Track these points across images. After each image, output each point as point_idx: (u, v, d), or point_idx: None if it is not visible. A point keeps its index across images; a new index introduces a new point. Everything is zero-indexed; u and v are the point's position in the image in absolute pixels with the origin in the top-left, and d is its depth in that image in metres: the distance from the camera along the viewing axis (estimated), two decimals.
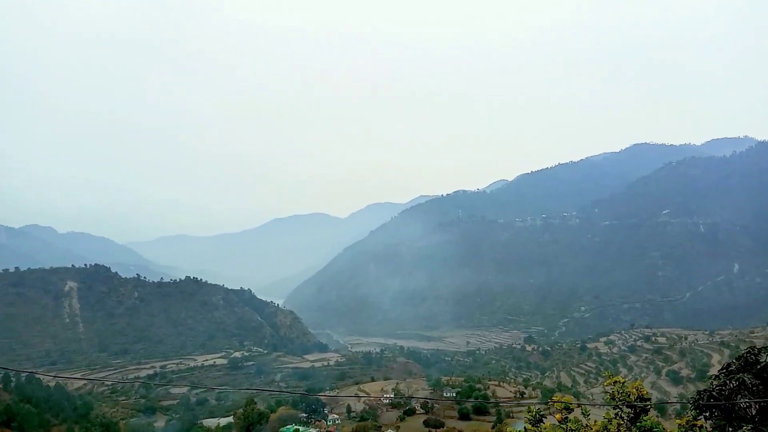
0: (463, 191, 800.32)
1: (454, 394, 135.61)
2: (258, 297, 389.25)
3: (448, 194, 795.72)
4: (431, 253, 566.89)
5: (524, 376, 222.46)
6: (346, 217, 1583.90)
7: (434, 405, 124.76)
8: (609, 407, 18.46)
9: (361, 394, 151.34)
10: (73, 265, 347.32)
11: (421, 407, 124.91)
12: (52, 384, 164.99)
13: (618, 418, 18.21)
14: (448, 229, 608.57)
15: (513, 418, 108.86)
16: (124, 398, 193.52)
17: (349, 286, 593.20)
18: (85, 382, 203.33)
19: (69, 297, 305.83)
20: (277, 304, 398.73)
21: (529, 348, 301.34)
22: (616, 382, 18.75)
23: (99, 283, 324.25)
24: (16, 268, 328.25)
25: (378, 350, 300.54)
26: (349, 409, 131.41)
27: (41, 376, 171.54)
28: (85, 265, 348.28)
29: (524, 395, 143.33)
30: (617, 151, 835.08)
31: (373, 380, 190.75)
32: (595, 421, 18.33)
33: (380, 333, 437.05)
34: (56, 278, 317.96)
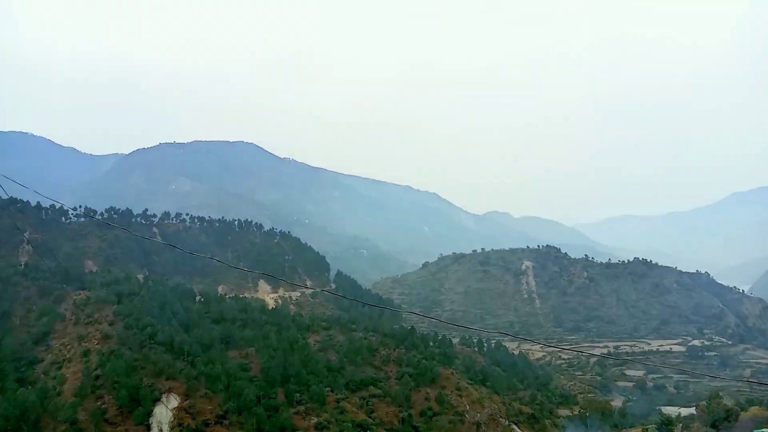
0: None
1: None
2: (717, 281, 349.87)
3: None
4: None
5: None
6: None
7: None
8: None
9: None
10: (527, 246, 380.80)
11: None
12: (516, 352, 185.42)
13: None
14: None
15: None
16: (580, 373, 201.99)
17: None
18: (544, 354, 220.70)
19: (526, 275, 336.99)
20: (743, 290, 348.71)
21: None
22: None
23: (551, 263, 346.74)
24: (482, 248, 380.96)
25: None
26: None
27: (506, 345, 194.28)
28: (538, 246, 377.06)
29: None
30: None
31: None
32: None
33: None
34: (514, 258, 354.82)
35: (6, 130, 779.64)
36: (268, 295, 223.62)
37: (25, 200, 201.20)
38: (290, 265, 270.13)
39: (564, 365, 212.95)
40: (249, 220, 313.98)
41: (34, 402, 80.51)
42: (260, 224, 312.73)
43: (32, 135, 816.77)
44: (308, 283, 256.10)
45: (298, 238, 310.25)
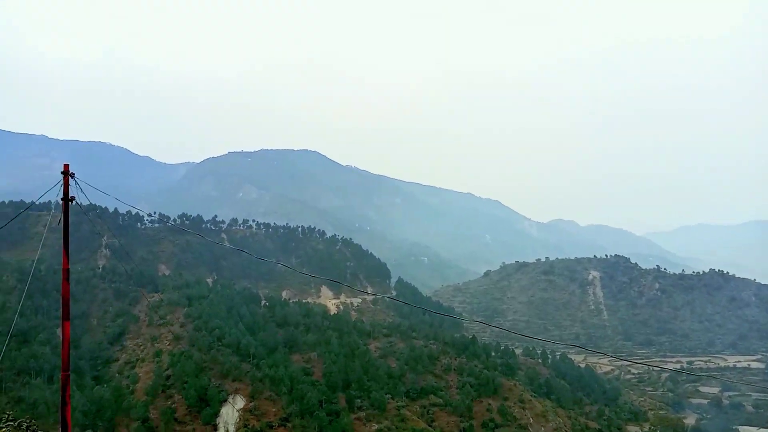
0: None
1: None
2: None
3: None
4: None
5: None
6: None
7: None
8: None
9: None
10: (594, 255, 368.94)
11: None
12: (582, 365, 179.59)
13: None
14: None
15: None
16: (651, 389, 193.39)
17: None
18: (612, 367, 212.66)
19: (593, 285, 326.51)
20: None
21: None
22: None
23: (619, 273, 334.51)
24: (546, 258, 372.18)
25: None
26: None
27: (572, 357, 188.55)
28: (606, 255, 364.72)
29: None
30: None
31: None
32: None
33: None
34: (580, 267, 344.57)
35: (86, 140, 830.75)
36: (330, 301, 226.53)
37: (103, 206, 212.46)
38: (352, 272, 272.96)
39: (634, 380, 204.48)
40: (312, 226, 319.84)
41: (109, 400, 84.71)
42: (323, 231, 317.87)
43: (111, 145, 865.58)
44: (369, 289, 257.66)
45: (360, 245, 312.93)
